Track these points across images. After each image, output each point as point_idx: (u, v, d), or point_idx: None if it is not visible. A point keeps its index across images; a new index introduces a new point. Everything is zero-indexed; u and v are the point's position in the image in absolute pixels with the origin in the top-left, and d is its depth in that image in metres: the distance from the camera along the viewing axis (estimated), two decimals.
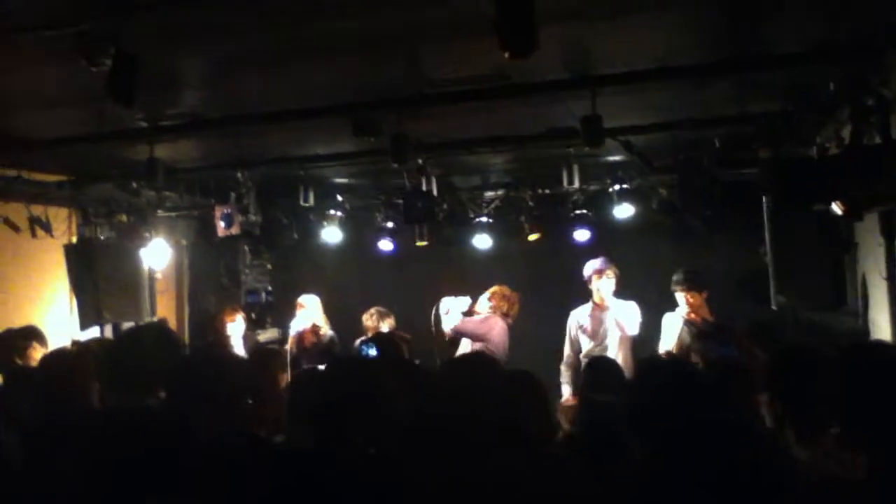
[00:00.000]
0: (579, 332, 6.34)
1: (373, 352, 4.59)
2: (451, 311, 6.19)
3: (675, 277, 5.89)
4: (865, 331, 5.59)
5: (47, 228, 6.37)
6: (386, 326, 6.58)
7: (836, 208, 4.44)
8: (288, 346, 6.32)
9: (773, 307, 5.53)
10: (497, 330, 6.15)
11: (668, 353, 5.75)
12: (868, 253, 5.39)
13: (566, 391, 6.21)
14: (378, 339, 5.32)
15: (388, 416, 2.63)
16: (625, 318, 6.14)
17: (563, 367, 6.35)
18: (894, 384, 2.29)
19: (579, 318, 6.37)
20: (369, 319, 6.62)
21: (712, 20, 3.68)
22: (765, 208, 5.44)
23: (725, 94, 4.90)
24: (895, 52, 3.90)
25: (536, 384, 3.15)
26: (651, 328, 6.02)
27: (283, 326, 6.85)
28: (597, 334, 6.25)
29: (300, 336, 6.48)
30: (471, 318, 6.25)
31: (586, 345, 6.30)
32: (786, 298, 5.46)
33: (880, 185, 3.95)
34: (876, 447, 2.19)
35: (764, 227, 5.53)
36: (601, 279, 6.21)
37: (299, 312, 6.61)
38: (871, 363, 2.39)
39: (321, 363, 6.21)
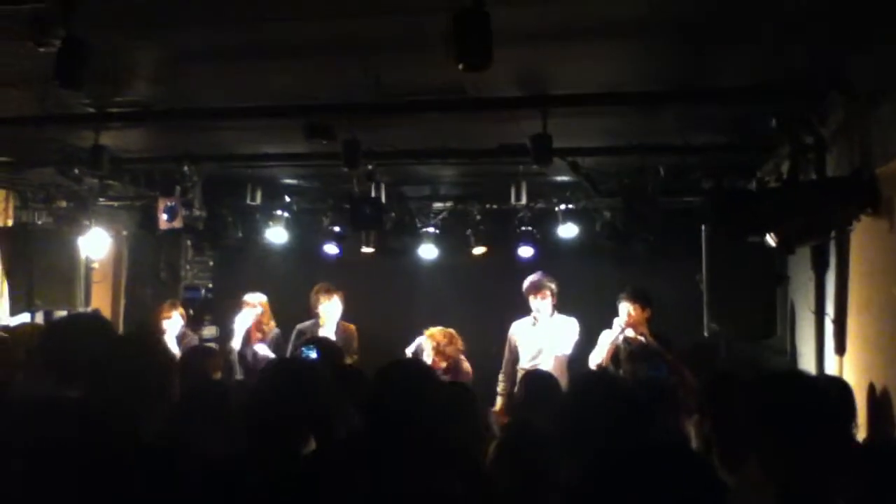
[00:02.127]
0: (518, 344, 6.41)
1: (313, 354, 4.57)
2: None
3: (624, 288, 6.00)
4: (793, 362, 5.78)
5: None
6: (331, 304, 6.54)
7: (770, 240, 4.60)
8: (232, 344, 6.23)
9: (706, 334, 5.68)
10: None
11: (599, 367, 5.84)
12: (799, 286, 5.59)
13: (499, 401, 6.27)
14: (319, 342, 5.30)
15: (326, 420, 2.63)
16: (560, 335, 6.22)
17: (500, 376, 6.41)
18: (804, 413, 2.37)
19: (518, 330, 6.44)
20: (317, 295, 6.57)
21: (663, 52, 3.78)
22: (703, 237, 5.59)
23: (673, 124, 5.03)
24: (835, 94, 4.07)
25: (469, 398, 3.18)
26: (590, 346, 6.10)
27: (223, 325, 6.75)
28: (533, 348, 6.32)
29: (248, 332, 6.40)
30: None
31: (523, 358, 6.36)
32: (718, 326, 5.61)
33: (813, 221, 4.11)
34: (785, 476, 2.26)
35: (702, 254, 5.68)
36: (537, 297, 6.29)
37: (245, 310, 6.51)
38: (784, 392, 2.48)
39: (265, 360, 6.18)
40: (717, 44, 3.61)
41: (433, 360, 5.99)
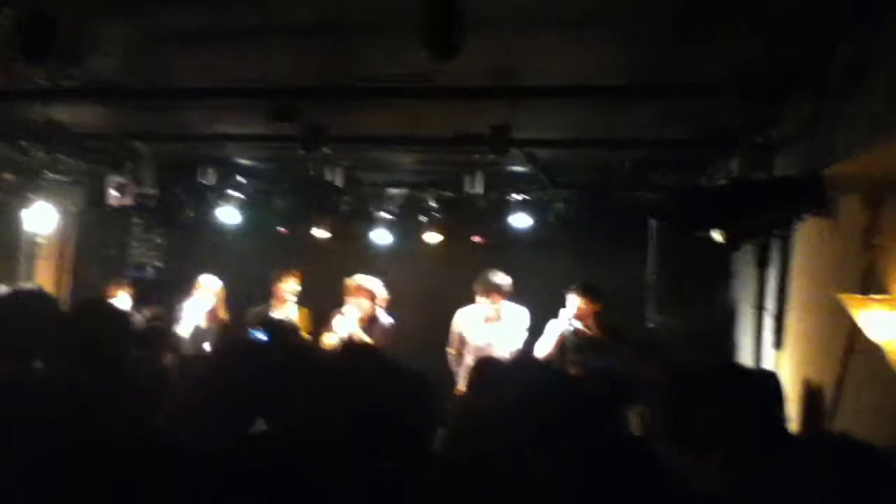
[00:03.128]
0: (465, 336, 6.43)
1: (262, 337, 4.57)
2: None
3: (574, 282, 6.08)
4: (733, 354, 5.98)
5: None
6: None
7: (717, 236, 4.75)
8: (179, 329, 6.19)
9: (650, 325, 5.83)
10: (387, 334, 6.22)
11: (547, 357, 5.95)
12: (743, 282, 5.77)
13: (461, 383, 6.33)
14: (268, 323, 5.29)
15: (277, 403, 2.64)
16: (511, 330, 6.29)
17: (451, 357, 6.47)
18: (760, 409, 2.49)
19: (465, 322, 6.45)
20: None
21: (630, 45, 3.85)
22: (650, 231, 5.72)
23: (634, 119, 5.13)
24: (790, 95, 4.20)
25: (424, 382, 3.21)
26: (538, 335, 6.20)
27: (171, 305, 6.68)
28: (481, 342, 6.34)
29: (207, 316, 6.36)
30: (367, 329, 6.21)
31: (471, 348, 6.40)
32: (663, 318, 5.77)
33: (758, 219, 4.25)
34: (739, 466, 2.37)
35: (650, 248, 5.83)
36: (488, 299, 6.29)
37: (197, 292, 6.47)
38: (727, 385, 2.59)
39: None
40: (681, 39, 3.69)
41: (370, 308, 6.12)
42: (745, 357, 5.56)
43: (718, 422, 2.66)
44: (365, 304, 6.20)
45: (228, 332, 6.41)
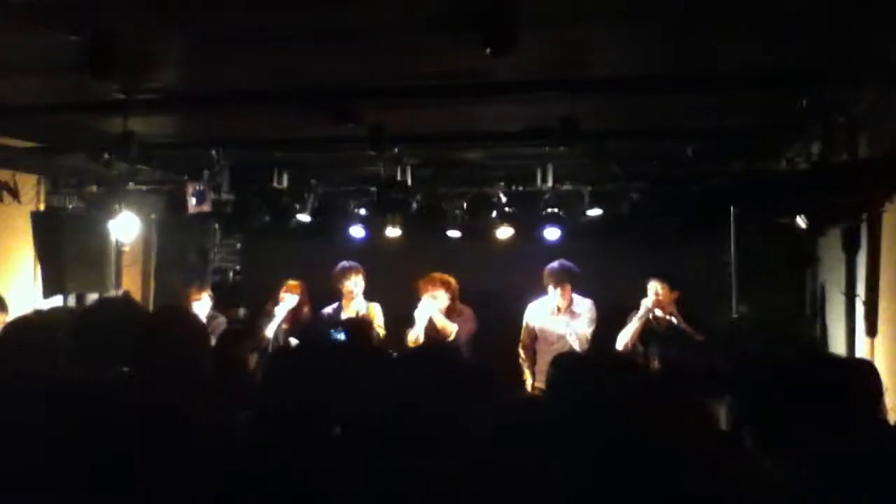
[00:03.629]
0: (536, 330, 6.36)
1: (341, 336, 4.61)
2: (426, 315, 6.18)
3: (652, 269, 5.93)
4: (823, 343, 5.75)
5: (15, 194, 6.30)
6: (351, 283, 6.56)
7: (801, 222, 4.57)
8: (266, 331, 6.31)
9: (734, 315, 5.66)
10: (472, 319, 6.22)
11: (626, 348, 5.81)
12: (829, 268, 5.54)
13: (529, 379, 6.29)
14: (347, 323, 5.35)
15: (353, 402, 2.65)
16: (579, 321, 6.20)
17: (521, 353, 6.41)
18: (835, 395, 2.37)
19: (536, 316, 6.38)
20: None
21: (695, 33, 3.74)
22: (731, 219, 5.55)
23: (703, 105, 4.98)
24: (870, 74, 4.01)
25: (490, 383, 3.17)
26: (614, 328, 6.08)
27: (251, 308, 6.84)
28: (552, 335, 6.27)
29: (288, 317, 6.49)
30: (452, 319, 6.21)
31: (543, 343, 6.34)
32: (747, 308, 5.59)
33: (844, 203, 4.07)
34: (825, 459, 2.26)
35: (730, 236, 5.65)
36: (557, 289, 6.22)
37: (283, 295, 6.56)
38: (816, 374, 2.47)
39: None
40: (748, 25, 3.56)
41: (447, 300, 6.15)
42: (836, 345, 5.34)
43: (808, 415, 2.55)
44: (441, 295, 6.21)
45: (305, 332, 6.50)
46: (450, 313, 6.21)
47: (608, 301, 6.30)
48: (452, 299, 6.24)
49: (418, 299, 6.24)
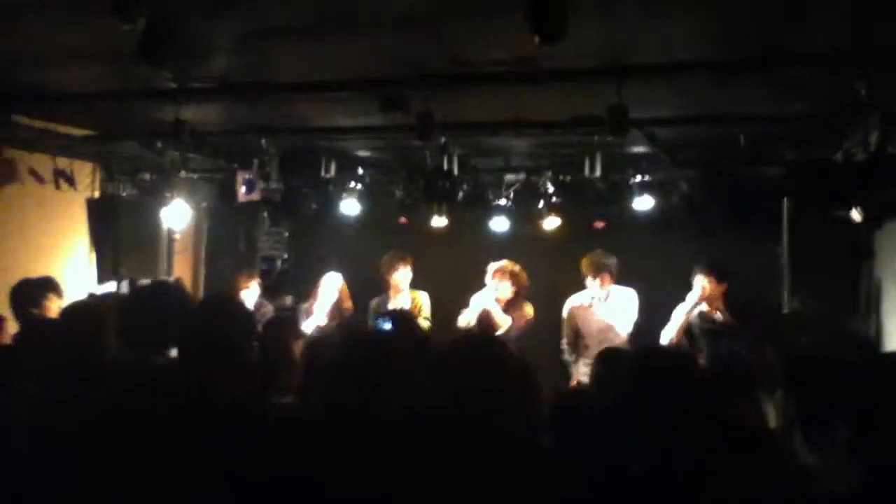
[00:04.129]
0: (579, 326, 6.33)
1: (388, 326, 4.63)
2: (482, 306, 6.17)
3: (699, 261, 5.83)
4: (878, 339, 5.59)
5: (71, 181, 6.45)
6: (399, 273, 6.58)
7: (856, 214, 4.44)
8: (304, 326, 6.37)
9: (786, 310, 5.53)
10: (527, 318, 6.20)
11: (671, 343, 5.72)
12: (886, 261, 5.38)
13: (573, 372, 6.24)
14: (394, 314, 5.36)
15: (400, 392, 2.66)
16: (620, 312, 6.12)
17: (565, 348, 6.37)
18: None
19: (576, 311, 6.35)
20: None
21: (746, 16, 3.65)
22: (784, 210, 5.43)
23: (754, 92, 4.87)
24: None
25: (532, 377, 3.14)
26: (660, 320, 6.00)
27: (299, 295, 6.91)
28: (594, 330, 6.23)
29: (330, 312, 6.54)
30: (508, 312, 6.21)
31: (587, 338, 6.27)
32: (799, 301, 5.47)
33: None
34: (878, 459, 2.19)
35: (782, 228, 5.52)
36: (595, 279, 6.18)
37: (320, 291, 6.60)
38: (872, 373, 2.39)
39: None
40: (805, 8, 3.46)
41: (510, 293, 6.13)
42: (892, 342, 5.20)
43: (857, 413, 2.48)
44: (505, 286, 6.20)
45: (351, 321, 6.56)
46: (509, 306, 6.20)
47: (657, 293, 6.22)
48: (517, 293, 6.23)
49: (485, 284, 6.24)
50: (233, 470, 2.28)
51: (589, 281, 6.21)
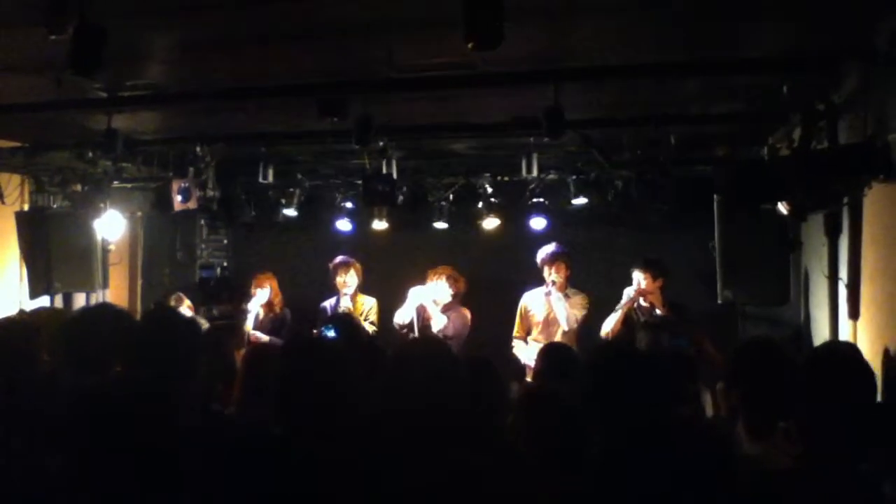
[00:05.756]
0: (530, 315, 6.44)
1: (331, 333, 4.62)
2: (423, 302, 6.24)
3: (637, 258, 6.01)
4: (807, 326, 5.81)
5: None
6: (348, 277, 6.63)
7: (783, 208, 4.61)
8: (247, 326, 6.40)
9: (719, 301, 5.70)
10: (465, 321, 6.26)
11: (608, 335, 5.87)
12: (812, 252, 5.59)
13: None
14: (338, 319, 5.35)
15: (346, 400, 2.66)
16: (572, 308, 6.24)
17: (515, 343, 6.46)
18: (851, 389, 2.41)
19: (531, 301, 6.47)
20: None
21: (678, 21, 3.76)
22: (715, 205, 5.59)
23: (686, 95, 5.02)
24: (849, 61, 4.05)
25: (495, 373, 3.19)
26: (601, 316, 6.13)
27: (239, 302, 6.85)
28: (545, 320, 6.35)
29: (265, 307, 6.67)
30: (445, 313, 6.28)
31: (535, 330, 6.40)
32: (732, 293, 5.64)
33: (826, 189, 4.11)
34: (818, 441, 2.30)
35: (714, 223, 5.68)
36: (552, 269, 6.30)
37: (255, 290, 6.66)
38: (835, 367, 2.51)
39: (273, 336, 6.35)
40: (730, 14, 3.59)
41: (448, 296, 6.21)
42: (819, 329, 5.40)
43: (794, 398, 2.59)
44: (443, 287, 6.26)
45: (296, 328, 6.58)
46: (447, 310, 6.26)
47: (595, 289, 6.35)
48: (455, 296, 6.29)
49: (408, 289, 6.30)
50: (191, 484, 2.25)
51: (545, 271, 6.31)
